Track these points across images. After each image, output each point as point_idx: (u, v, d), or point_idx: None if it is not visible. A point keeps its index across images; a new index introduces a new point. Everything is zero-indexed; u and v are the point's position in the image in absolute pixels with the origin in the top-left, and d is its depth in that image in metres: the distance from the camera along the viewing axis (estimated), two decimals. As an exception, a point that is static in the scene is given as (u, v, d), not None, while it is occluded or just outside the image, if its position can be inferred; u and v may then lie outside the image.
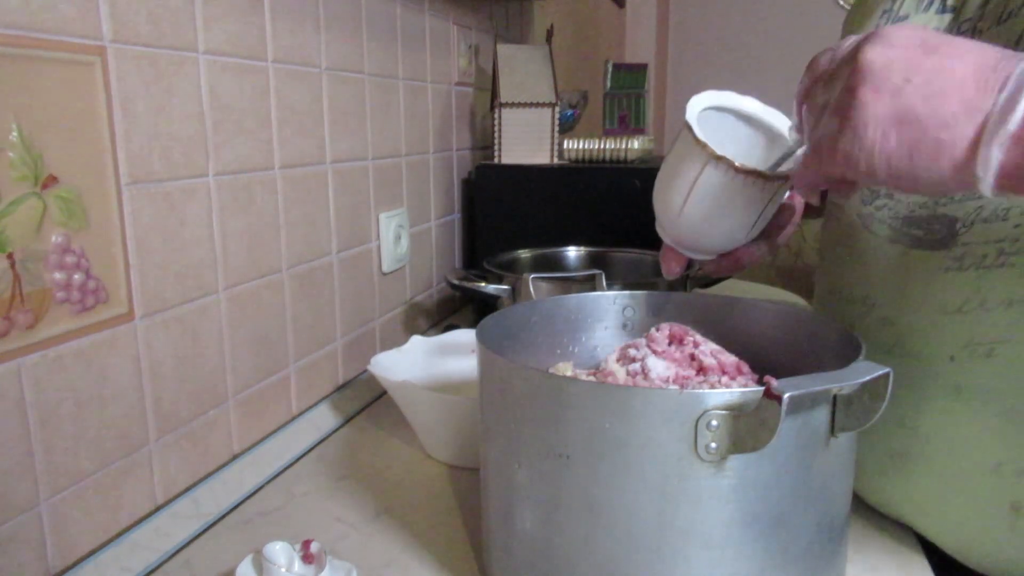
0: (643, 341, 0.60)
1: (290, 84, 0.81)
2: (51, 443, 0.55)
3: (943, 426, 0.56)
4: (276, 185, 0.80)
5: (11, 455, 0.52)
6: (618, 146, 1.23)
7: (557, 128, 1.25)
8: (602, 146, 1.24)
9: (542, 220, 1.21)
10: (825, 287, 0.68)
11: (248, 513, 0.69)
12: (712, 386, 0.56)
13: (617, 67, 1.62)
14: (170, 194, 0.65)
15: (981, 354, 0.53)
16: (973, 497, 0.55)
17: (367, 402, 0.94)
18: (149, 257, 0.63)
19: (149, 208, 0.62)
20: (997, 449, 0.53)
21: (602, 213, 1.17)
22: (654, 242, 0.65)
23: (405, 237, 1.10)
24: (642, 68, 1.62)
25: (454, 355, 0.89)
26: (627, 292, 0.69)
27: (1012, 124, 0.37)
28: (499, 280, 0.93)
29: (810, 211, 0.69)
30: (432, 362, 0.88)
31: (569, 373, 0.64)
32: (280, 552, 0.54)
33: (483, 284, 0.93)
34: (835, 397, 0.46)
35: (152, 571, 0.60)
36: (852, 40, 0.44)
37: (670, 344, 0.60)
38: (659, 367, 0.57)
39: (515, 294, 0.91)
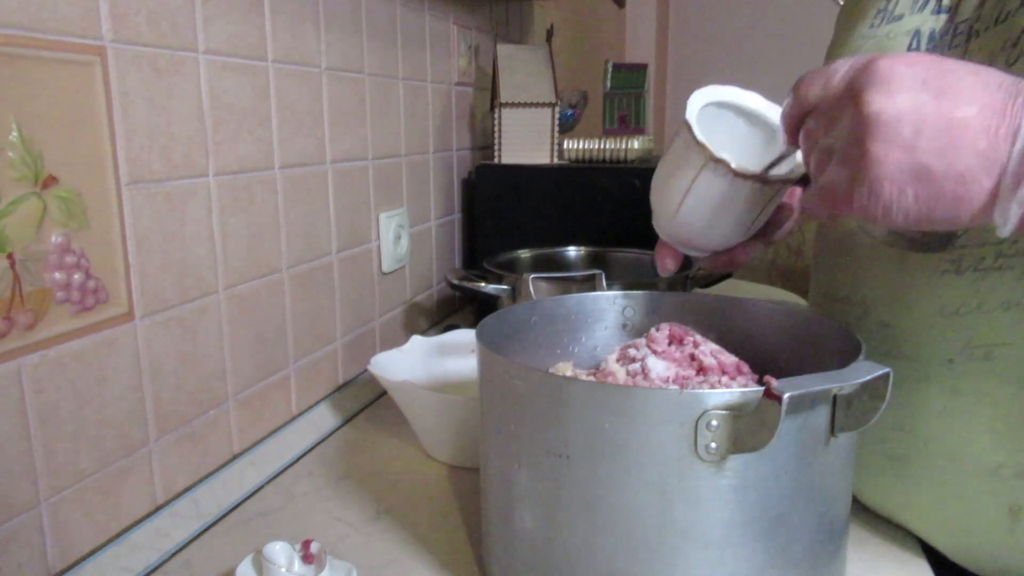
0: (643, 341, 0.60)
1: (290, 84, 0.81)
2: (51, 443, 0.55)
3: (941, 429, 0.56)
4: (276, 185, 0.80)
5: (11, 455, 0.52)
6: (618, 146, 1.23)
7: (557, 128, 1.25)
8: (602, 146, 1.24)
9: (542, 220, 1.21)
10: (821, 290, 0.68)
11: (248, 513, 0.69)
12: (712, 386, 0.56)
13: (617, 67, 1.62)
14: (170, 194, 0.65)
15: (979, 357, 0.53)
16: (972, 500, 0.55)
17: (367, 402, 0.94)
18: (149, 257, 0.63)
19: (149, 208, 0.62)
20: (996, 452, 0.53)
21: (602, 213, 1.17)
22: (654, 242, 0.65)
23: (405, 237, 1.10)
24: (642, 68, 1.62)
25: (454, 355, 0.89)
26: (627, 292, 0.69)
27: None
28: (499, 280, 0.93)
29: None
30: (432, 362, 0.88)
31: (569, 373, 0.64)
32: (280, 552, 0.54)
33: (483, 284, 0.93)
34: (835, 397, 0.46)
35: (152, 571, 0.60)
36: (844, 71, 0.43)
37: (670, 344, 0.60)
38: (659, 367, 0.57)
39: (515, 294, 0.91)
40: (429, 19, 1.15)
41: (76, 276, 0.56)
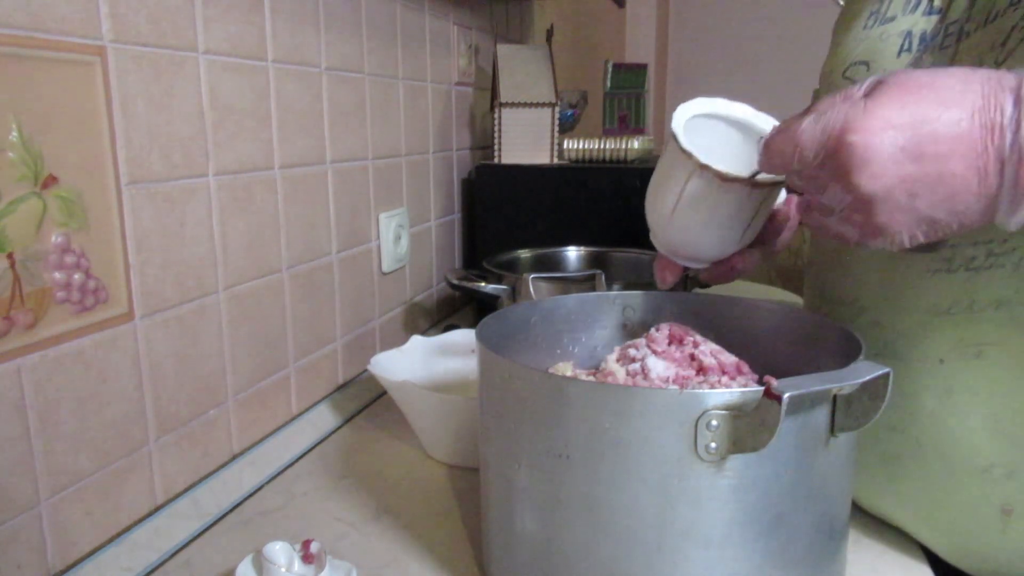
0: (643, 341, 0.60)
1: (290, 84, 0.81)
2: (51, 443, 0.55)
3: (933, 429, 0.56)
4: (276, 185, 0.80)
5: (11, 455, 0.52)
6: (618, 146, 1.23)
7: (557, 128, 1.25)
8: (602, 146, 1.24)
9: (542, 220, 1.21)
10: (815, 291, 0.68)
11: (248, 513, 0.69)
12: (712, 386, 0.56)
13: (617, 67, 1.62)
14: (170, 194, 0.65)
15: (971, 356, 0.53)
16: (964, 500, 0.55)
17: (367, 402, 0.94)
18: (149, 257, 0.63)
19: (149, 208, 0.62)
20: (987, 451, 0.53)
21: (602, 213, 1.17)
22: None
23: (405, 237, 1.10)
24: (642, 68, 1.62)
25: (454, 355, 0.89)
26: (627, 292, 0.69)
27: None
28: (499, 280, 0.93)
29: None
30: (432, 362, 0.88)
31: (569, 373, 0.64)
32: (280, 552, 0.54)
33: (483, 284, 0.93)
34: (835, 397, 0.46)
35: (152, 571, 0.60)
36: (813, 142, 0.43)
37: (670, 344, 0.60)
38: (659, 367, 0.57)
39: (515, 294, 0.91)
40: (429, 19, 1.15)
41: (76, 276, 0.56)
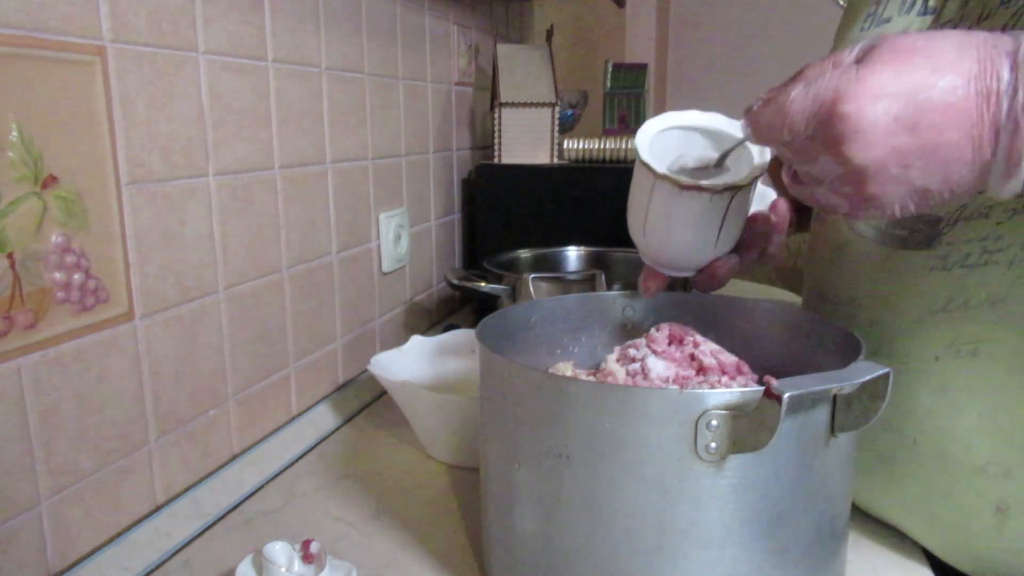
0: (643, 341, 0.60)
1: (290, 84, 0.81)
2: (51, 443, 0.55)
3: (929, 427, 0.56)
4: (276, 185, 0.80)
5: (11, 455, 0.52)
6: (618, 146, 1.23)
7: (557, 128, 1.25)
8: (602, 146, 1.24)
9: (542, 220, 1.21)
10: (812, 290, 0.68)
11: (248, 513, 0.69)
12: (712, 386, 0.56)
13: (617, 67, 1.62)
14: (170, 194, 0.65)
15: (966, 354, 0.53)
16: (959, 499, 0.55)
17: (367, 402, 0.94)
18: (149, 257, 0.63)
19: (149, 208, 0.62)
20: (983, 450, 0.53)
21: (602, 213, 1.17)
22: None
23: (405, 237, 1.10)
24: (642, 68, 1.62)
25: (454, 355, 0.89)
26: (627, 292, 0.69)
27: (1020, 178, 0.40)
28: (499, 280, 0.93)
29: (802, 227, 0.70)
30: (432, 362, 0.88)
31: (569, 373, 0.64)
32: (280, 552, 0.54)
33: (483, 284, 0.93)
34: (835, 397, 0.46)
35: (152, 571, 0.60)
36: (803, 111, 0.42)
37: (670, 344, 0.60)
38: (659, 367, 0.57)
39: (515, 294, 0.91)
40: (429, 19, 1.15)
41: (76, 276, 0.56)
